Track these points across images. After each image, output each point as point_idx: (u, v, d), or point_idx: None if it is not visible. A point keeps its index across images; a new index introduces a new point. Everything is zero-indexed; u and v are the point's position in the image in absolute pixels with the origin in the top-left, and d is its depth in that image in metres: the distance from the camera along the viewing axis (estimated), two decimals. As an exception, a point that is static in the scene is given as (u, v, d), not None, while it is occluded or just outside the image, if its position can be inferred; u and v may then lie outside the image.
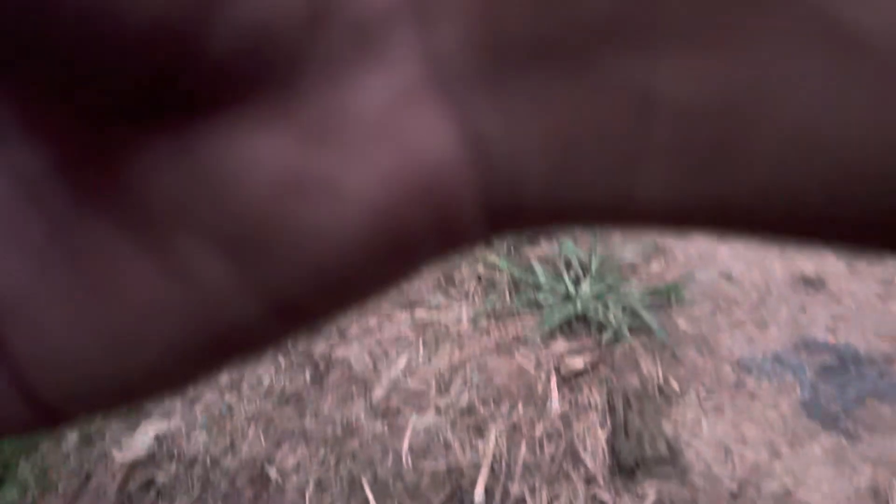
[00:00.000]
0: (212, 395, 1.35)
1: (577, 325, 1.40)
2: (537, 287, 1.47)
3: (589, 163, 0.09)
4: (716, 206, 0.09)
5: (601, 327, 1.38)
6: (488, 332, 1.40)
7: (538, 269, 1.49)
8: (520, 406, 1.25)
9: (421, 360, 1.36)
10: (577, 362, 1.30)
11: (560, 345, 1.35)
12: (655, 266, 1.51)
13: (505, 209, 0.10)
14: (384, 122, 0.09)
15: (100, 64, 0.08)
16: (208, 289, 0.10)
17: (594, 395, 1.25)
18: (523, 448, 1.19)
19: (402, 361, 1.36)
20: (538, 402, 1.26)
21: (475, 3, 0.09)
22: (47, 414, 0.11)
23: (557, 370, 1.30)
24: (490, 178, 0.10)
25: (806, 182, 0.09)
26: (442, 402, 1.27)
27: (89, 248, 0.10)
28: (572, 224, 0.11)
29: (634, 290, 1.44)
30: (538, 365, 1.31)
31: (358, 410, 1.29)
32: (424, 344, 1.40)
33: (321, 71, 0.09)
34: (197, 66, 0.09)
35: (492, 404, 1.26)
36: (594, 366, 1.30)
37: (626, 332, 1.36)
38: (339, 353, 1.39)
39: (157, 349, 0.10)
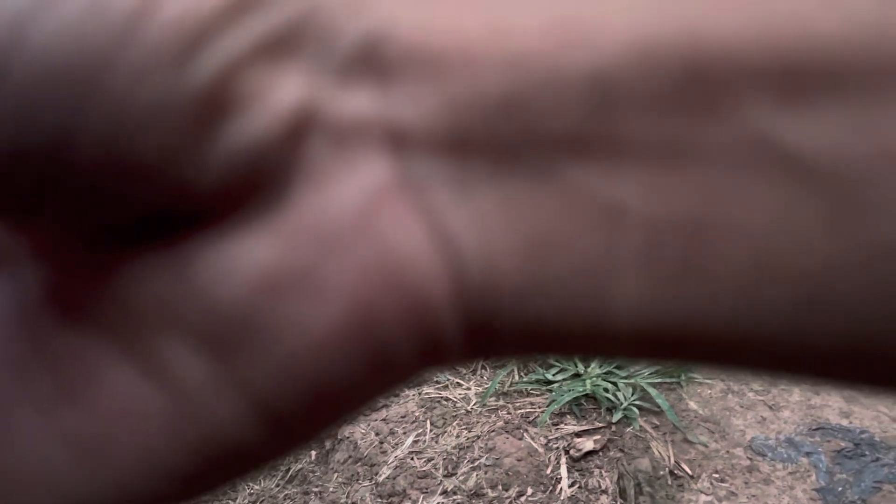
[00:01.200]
0: (216, 473, 1.32)
1: (586, 404, 1.38)
2: (546, 365, 1.46)
3: (561, 270, 0.09)
4: (688, 326, 0.09)
5: (611, 407, 1.36)
6: (497, 411, 1.38)
7: (546, 346, 1.48)
8: (529, 489, 1.22)
9: (428, 439, 1.34)
10: (587, 444, 1.27)
11: (569, 425, 1.33)
12: (664, 344, 1.50)
13: (481, 316, 0.10)
14: (358, 221, 0.10)
15: (101, 202, 0.09)
16: (189, 390, 0.10)
17: (604, 479, 1.23)
18: (532, 534, 1.16)
19: (408, 441, 1.34)
20: (547, 485, 1.23)
21: (442, 107, 0.09)
22: None
23: (567, 451, 1.27)
24: (462, 280, 0.10)
25: (772, 307, 0.09)
26: (449, 485, 1.25)
27: (70, 354, 0.10)
28: (550, 350, 0.11)
29: (644, 369, 1.43)
30: (547, 446, 1.29)
31: (363, 492, 1.26)
32: (432, 423, 1.38)
33: (303, 176, 0.10)
34: (188, 198, 0.09)
35: (500, 487, 1.23)
36: (604, 447, 1.28)
37: (636, 412, 1.34)
38: (345, 430, 1.38)
39: (132, 459, 0.10)
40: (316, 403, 0.10)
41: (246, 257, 0.10)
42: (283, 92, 0.09)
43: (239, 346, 0.10)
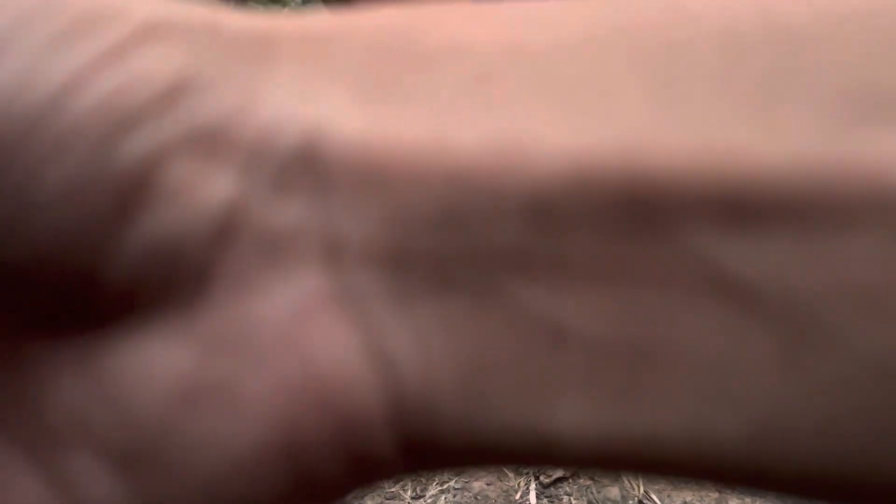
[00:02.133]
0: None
1: (559, 416, 1.35)
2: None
3: (504, 388, 0.09)
4: (632, 446, 0.09)
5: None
6: (467, 427, 1.35)
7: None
8: (497, 519, 1.23)
9: (396, 456, 1.32)
10: (558, 470, 1.26)
11: (541, 445, 1.31)
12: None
13: (418, 435, 0.10)
14: (286, 332, 0.09)
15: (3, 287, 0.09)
16: None
17: (573, 506, 1.23)
18: (499, 568, 1.18)
19: (375, 459, 1.32)
20: (516, 512, 1.23)
21: (381, 220, 0.09)
22: None
23: (537, 477, 1.26)
24: (399, 397, 0.09)
25: (719, 433, 0.09)
26: (417, 512, 1.25)
27: None
28: (492, 463, 0.10)
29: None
30: (518, 471, 1.28)
31: (330, 514, 1.26)
32: (399, 441, 1.35)
33: (227, 281, 0.09)
34: (99, 288, 0.09)
35: (469, 516, 1.24)
36: (574, 474, 1.27)
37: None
38: (310, 436, 1.34)
39: None
40: None
41: (161, 364, 0.09)
42: (212, 190, 0.09)
43: (152, 462, 0.09)
